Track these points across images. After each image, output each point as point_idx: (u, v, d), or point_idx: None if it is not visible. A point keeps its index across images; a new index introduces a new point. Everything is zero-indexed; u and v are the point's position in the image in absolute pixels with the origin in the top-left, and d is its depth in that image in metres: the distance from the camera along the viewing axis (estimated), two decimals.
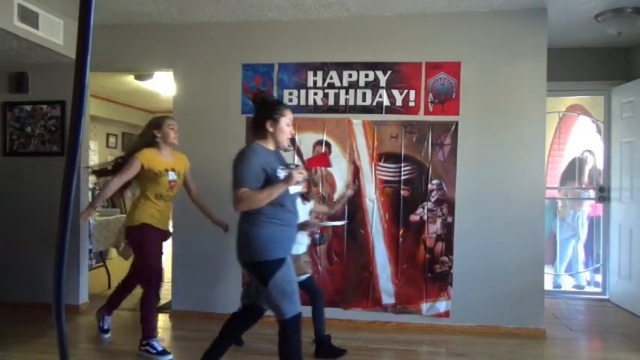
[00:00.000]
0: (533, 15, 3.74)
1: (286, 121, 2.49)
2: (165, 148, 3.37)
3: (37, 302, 4.20)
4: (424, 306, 3.88)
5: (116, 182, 3.23)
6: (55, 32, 3.91)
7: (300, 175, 2.36)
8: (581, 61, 4.75)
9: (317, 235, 3.99)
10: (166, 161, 3.35)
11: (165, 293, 4.85)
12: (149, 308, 3.30)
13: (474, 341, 3.57)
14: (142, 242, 3.30)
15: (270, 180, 2.38)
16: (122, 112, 8.09)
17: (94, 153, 7.80)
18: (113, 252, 6.30)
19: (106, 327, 3.72)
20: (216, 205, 4.10)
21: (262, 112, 2.50)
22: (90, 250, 4.73)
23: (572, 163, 5.54)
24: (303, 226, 3.00)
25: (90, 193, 6.23)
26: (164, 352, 3.24)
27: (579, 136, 5.98)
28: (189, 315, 4.11)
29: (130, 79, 5.94)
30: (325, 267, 3.99)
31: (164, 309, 4.39)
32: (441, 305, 3.86)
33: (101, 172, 3.61)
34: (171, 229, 3.89)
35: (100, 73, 4.54)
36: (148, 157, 3.26)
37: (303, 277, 3.19)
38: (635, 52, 4.67)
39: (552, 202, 5.50)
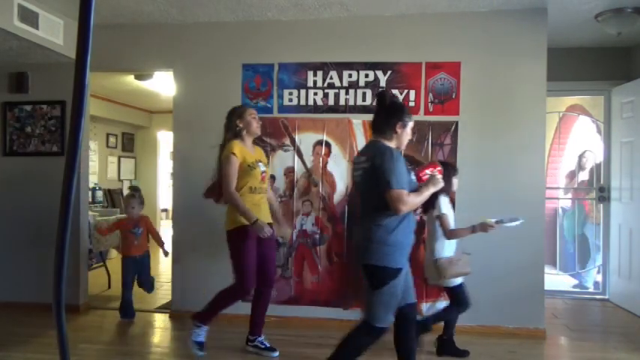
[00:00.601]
0: (533, 15, 3.74)
1: (411, 125, 2.53)
2: (248, 138, 3.22)
3: (37, 302, 4.20)
4: (424, 306, 3.87)
5: (234, 191, 3.07)
6: (55, 32, 3.91)
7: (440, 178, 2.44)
8: (581, 61, 4.75)
9: (317, 235, 3.99)
10: (252, 153, 3.22)
11: (165, 293, 4.85)
12: (222, 304, 3.20)
13: (473, 341, 3.56)
14: (239, 247, 3.11)
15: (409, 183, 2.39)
16: (122, 112, 8.09)
17: (94, 153, 7.80)
18: (113, 252, 6.31)
19: (268, 345, 3.34)
20: (218, 204, 4.11)
21: (393, 113, 2.49)
22: (90, 250, 4.74)
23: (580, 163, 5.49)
24: (482, 227, 3.02)
25: (90, 193, 6.25)
26: (202, 346, 3.23)
27: (579, 136, 5.99)
28: (189, 315, 4.10)
29: (130, 79, 5.94)
30: (325, 267, 3.99)
31: (164, 309, 4.40)
32: (441, 305, 3.85)
33: (212, 190, 3.35)
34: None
35: (100, 73, 4.54)
36: (239, 150, 3.10)
37: (457, 281, 3.16)
38: (635, 52, 4.67)
39: (581, 205, 5.46)
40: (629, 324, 4.18)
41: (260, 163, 3.20)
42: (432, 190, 2.43)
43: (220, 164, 3.15)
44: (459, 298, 3.20)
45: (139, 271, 4.23)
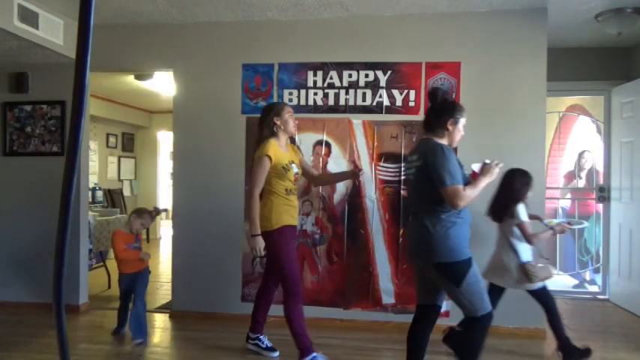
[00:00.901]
0: (533, 15, 3.74)
1: (464, 122, 2.54)
2: (283, 136, 3.09)
3: (37, 302, 4.20)
4: None
5: (256, 196, 2.95)
6: (55, 32, 3.91)
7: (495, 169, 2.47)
8: (581, 61, 4.75)
9: (317, 235, 3.99)
10: (286, 153, 3.10)
11: (165, 293, 4.85)
12: (299, 320, 2.99)
13: None
14: (283, 247, 3.00)
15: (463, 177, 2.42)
16: (122, 112, 8.10)
17: (94, 153, 7.80)
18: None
19: (269, 345, 3.33)
20: (218, 205, 4.11)
21: (445, 110, 2.51)
22: (90, 250, 4.74)
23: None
24: (560, 229, 3.08)
25: (90, 193, 6.25)
26: None
27: (579, 136, 5.98)
28: (189, 315, 4.11)
29: (130, 79, 5.94)
30: (325, 267, 3.99)
31: (164, 309, 4.39)
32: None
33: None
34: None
35: (100, 73, 4.54)
36: (274, 151, 2.98)
37: (539, 285, 3.15)
38: (635, 52, 4.67)
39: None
40: (629, 324, 4.18)
41: (293, 165, 3.09)
42: (487, 180, 2.45)
43: (252, 162, 3.06)
44: (547, 299, 3.20)
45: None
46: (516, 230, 3.13)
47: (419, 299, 2.66)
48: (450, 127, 2.48)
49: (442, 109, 2.51)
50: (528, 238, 3.10)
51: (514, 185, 3.12)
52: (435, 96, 2.56)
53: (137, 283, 3.64)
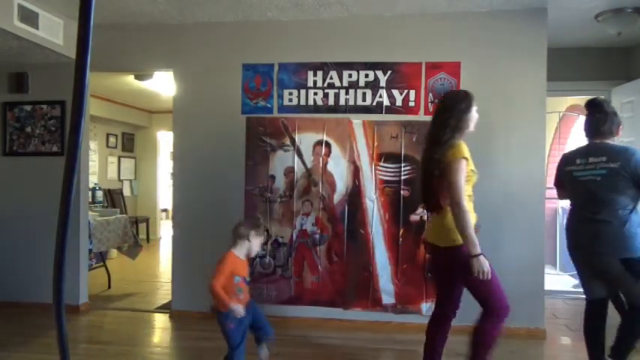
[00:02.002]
0: (533, 15, 3.74)
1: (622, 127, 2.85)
2: (463, 136, 2.54)
3: (37, 302, 4.20)
4: (424, 306, 3.87)
5: (466, 207, 2.35)
6: (55, 32, 3.91)
7: None
8: (581, 61, 4.75)
9: (317, 235, 3.99)
10: None
11: (165, 293, 4.86)
12: (491, 344, 2.55)
13: None
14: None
15: None
16: (122, 112, 8.10)
17: (94, 153, 7.80)
18: (113, 252, 6.31)
19: None
20: (218, 205, 4.11)
21: (615, 117, 2.77)
22: (90, 250, 4.74)
23: None
24: None
25: (90, 193, 6.25)
26: None
27: (579, 136, 5.98)
28: (189, 315, 4.11)
29: (130, 79, 5.94)
30: (325, 267, 3.99)
31: (164, 309, 4.40)
32: None
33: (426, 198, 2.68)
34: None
35: (100, 73, 4.54)
36: (468, 154, 2.47)
37: None
38: (635, 52, 4.67)
39: None
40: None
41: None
42: None
43: (447, 168, 2.41)
44: None
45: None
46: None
47: (589, 295, 2.84)
48: (620, 132, 2.80)
49: (613, 115, 2.77)
50: None
51: None
52: (601, 105, 2.79)
53: (250, 314, 2.75)
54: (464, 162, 2.41)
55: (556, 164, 3.01)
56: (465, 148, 2.46)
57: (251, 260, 4.06)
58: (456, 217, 2.35)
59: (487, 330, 2.52)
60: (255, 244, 2.75)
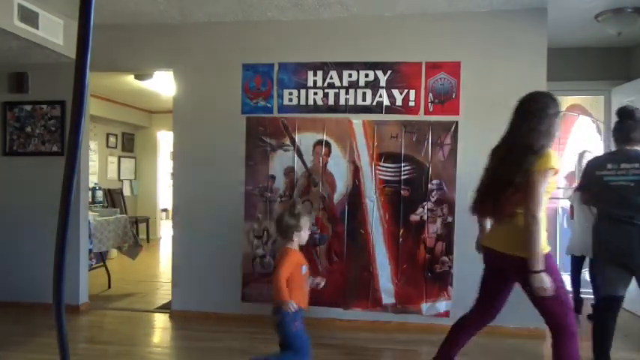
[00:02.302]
0: (533, 15, 3.74)
1: None
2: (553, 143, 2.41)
3: (37, 302, 4.20)
4: (424, 306, 3.88)
5: (541, 221, 2.26)
6: (55, 32, 3.91)
7: None
8: (581, 61, 4.75)
9: (317, 235, 3.99)
10: None
11: (165, 293, 4.86)
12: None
13: (474, 341, 3.56)
14: (558, 275, 2.41)
15: None
16: (122, 112, 8.10)
17: (94, 153, 7.80)
18: (113, 252, 6.31)
19: None
20: (218, 205, 4.11)
21: None
22: (90, 250, 4.74)
23: None
24: None
25: (90, 193, 6.25)
26: None
27: (579, 136, 5.98)
28: (189, 315, 4.11)
29: (130, 79, 5.94)
30: (325, 267, 3.99)
31: (164, 309, 4.40)
32: (441, 305, 3.86)
33: (489, 204, 2.54)
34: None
35: (100, 73, 4.54)
36: (559, 161, 2.37)
37: None
38: (635, 52, 4.67)
39: None
40: (629, 324, 4.18)
41: None
42: None
43: (532, 178, 2.29)
44: None
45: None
46: None
47: (606, 291, 2.96)
48: None
49: None
50: None
51: None
52: (632, 112, 2.86)
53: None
54: (550, 173, 2.30)
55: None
56: (555, 158, 2.34)
57: (250, 260, 4.07)
58: (528, 228, 2.26)
59: (563, 348, 2.39)
60: (305, 229, 2.69)
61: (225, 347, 3.46)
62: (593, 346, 2.95)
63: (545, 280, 2.25)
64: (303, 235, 2.68)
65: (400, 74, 3.90)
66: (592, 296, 4.30)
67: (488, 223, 2.66)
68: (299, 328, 2.57)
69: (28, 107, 4.41)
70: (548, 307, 2.38)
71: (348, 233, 3.96)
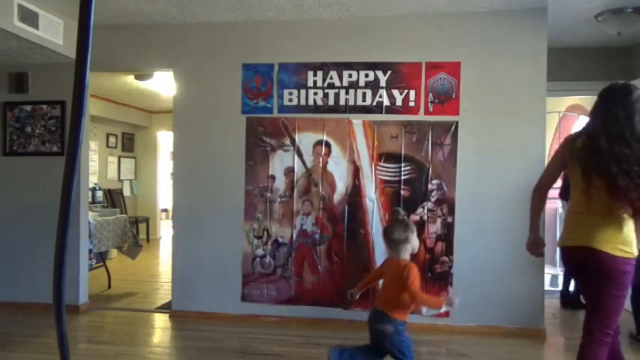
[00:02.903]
0: (533, 15, 3.74)
1: None
2: None
3: (37, 302, 4.20)
4: (424, 307, 3.87)
5: None
6: (55, 32, 3.91)
7: None
8: (581, 61, 4.75)
9: (317, 235, 3.99)
10: None
11: (165, 293, 4.86)
12: None
13: (474, 341, 3.56)
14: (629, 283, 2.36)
15: None
16: (122, 112, 8.10)
17: (94, 153, 7.81)
18: (113, 252, 6.31)
19: None
20: (218, 205, 4.11)
21: None
22: (90, 250, 4.75)
23: None
24: None
25: (90, 193, 6.25)
26: None
27: None
28: (190, 315, 4.11)
29: (130, 79, 5.95)
30: (325, 267, 3.99)
31: (164, 309, 4.40)
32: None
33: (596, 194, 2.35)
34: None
35: (100, 73, 4.55)
36: None
37: None
38: (635, 52, 4.67)
39: None
40: (629, 324, 4.17)
41: None
42: None
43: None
44: None
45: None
46: None
47: None
48: None
49: None
50: None
51: None
52: None
53: None
54: None
55: None
56: None
57: (250, 260, 4.07)
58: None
59: (589, 353, 2.40)
60: (414, 240, 2.64)
61: (225, 347, 3.46)
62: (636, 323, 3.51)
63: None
64: (415, 246, 2.66)
65: (400, 74, 3.90)
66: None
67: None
68: (408, 337, 2.64)
69: (28, 107, 4.41)
70: (614, 306, 2.43)
71: (348, 233, 3.96)
